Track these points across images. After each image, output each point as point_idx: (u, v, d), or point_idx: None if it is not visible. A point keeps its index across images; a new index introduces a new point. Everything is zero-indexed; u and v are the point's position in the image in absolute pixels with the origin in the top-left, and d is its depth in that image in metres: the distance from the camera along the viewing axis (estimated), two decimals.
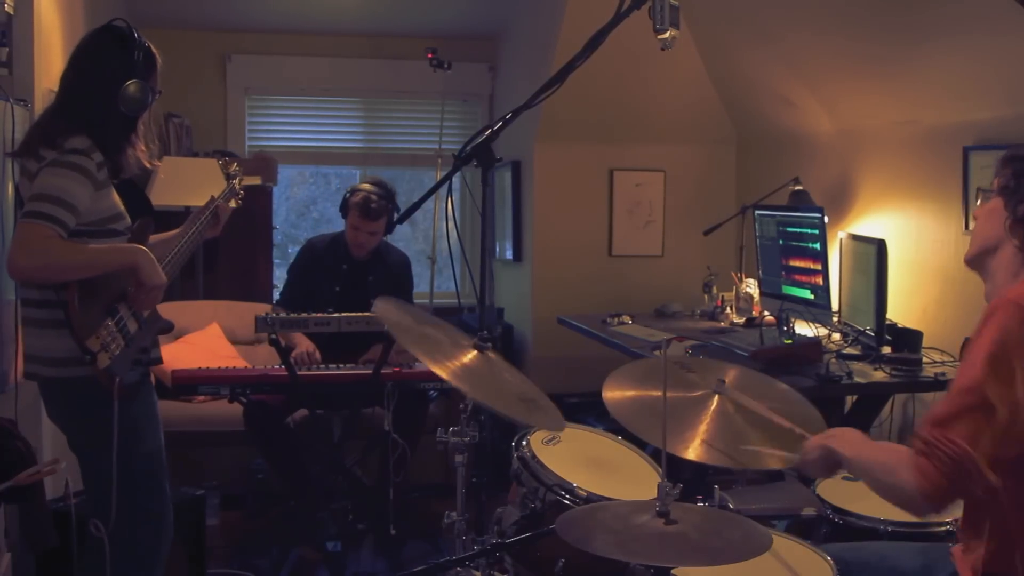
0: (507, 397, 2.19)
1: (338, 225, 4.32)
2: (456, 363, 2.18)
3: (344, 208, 4.19)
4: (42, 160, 2.39)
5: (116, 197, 2.56)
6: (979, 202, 2.03)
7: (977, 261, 1.98)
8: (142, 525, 2.57)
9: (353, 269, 4.24)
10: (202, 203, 2.91)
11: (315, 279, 4.25)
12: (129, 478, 2.48)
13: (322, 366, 3.91)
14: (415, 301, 4.49)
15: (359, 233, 4.15)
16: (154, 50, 2.59)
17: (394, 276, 4.28)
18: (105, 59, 2.50)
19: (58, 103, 2.54)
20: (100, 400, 2.41)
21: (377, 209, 4.09)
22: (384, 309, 2.28)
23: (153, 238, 2.69)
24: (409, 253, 4.58)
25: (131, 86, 2.46)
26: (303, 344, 4.03)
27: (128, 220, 2.60)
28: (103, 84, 2.46)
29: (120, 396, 2.42)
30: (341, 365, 3.90)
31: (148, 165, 2.66)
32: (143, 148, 2.61)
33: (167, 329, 2.68)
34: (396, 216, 4.13)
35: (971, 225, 2.01)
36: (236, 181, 3.11)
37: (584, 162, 5.27)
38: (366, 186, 4.17)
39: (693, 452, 2.08)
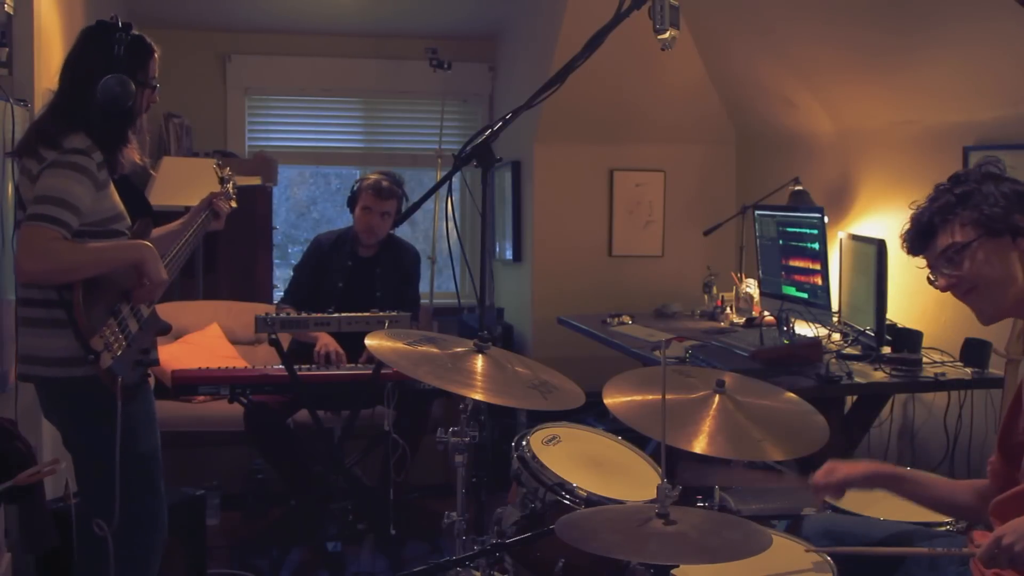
0: (520, 391, 2.22)
1: (338, 225, 4.31)
2: (463, 374, 2.21)
3: (354, 197, 4.16)
4: (43, 161, 2.39)
5: (116, 197, 2.56)
6: (940, 271, 1.94)
7: (1008, 310, 1.92)
8: (135, 527, 2.57)
9: (358, 266, 4.21)
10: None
11: (320, 276, 4.24)
12: (123, 479, 2.48)
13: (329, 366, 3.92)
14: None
15: (372, 214, 4.10)
16: (147, 41, 2.56)
17: (401, 268, 4.27)
18: (89, 55, 2.49)
19: (55, 102, 2.53)
20: (100, 400, 2.41)
21: (390, 188, 4.09)
22: (376, 344, 2.30)
23: (154, 231, 2.69)
24: None
25: (108, 81, 2.42)
26: (326, 341, 3.99)
27: (128, 220, 2.60)
28: (90, 81, 2.45)
29: (121, 396, 2.42)
30: (341, 365, 3.91)
31: (139, 160, 2.64)
32: (135, 144, 2.60)
33: (165, 331, 2.69)
34: (404, 204, 4.13)
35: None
36: (229, 185, 3.11)
37: (584, 162, 5.26)
38: (375, 174, 4.18)
39: (699, 446, 2.08)
